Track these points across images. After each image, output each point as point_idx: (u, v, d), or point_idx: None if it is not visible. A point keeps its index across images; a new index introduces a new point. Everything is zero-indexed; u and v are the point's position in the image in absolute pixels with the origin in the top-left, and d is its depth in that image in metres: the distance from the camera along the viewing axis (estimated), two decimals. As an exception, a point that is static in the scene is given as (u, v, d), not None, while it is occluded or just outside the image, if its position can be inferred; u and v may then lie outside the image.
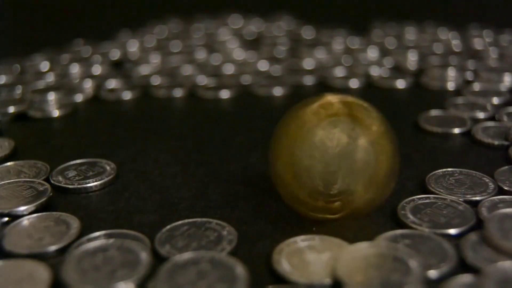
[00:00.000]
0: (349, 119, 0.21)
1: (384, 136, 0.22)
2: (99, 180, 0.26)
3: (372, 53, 0.47)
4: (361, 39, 0.51)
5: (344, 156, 0.21)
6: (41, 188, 0.25)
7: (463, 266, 0.20)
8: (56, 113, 0.36)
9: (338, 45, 0.49)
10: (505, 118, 0.33)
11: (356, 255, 0.20)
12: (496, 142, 0.30)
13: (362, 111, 0.22)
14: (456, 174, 0.26)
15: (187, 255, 0.20)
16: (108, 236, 0.22)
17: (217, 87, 0.40)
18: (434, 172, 0.26)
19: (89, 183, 0.26)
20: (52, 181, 0.26)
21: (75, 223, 0.23)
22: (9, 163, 0.28)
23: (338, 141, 0.21)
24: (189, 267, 0.19)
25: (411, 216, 0.23)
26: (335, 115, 0.22)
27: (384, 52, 0.47)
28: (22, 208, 0.24)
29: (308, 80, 0.41)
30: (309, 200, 0.22)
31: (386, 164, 0.22)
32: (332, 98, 0.22)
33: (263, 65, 0.45)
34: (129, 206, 0.25)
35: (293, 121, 0.22)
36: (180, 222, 0.23)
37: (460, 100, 0.36)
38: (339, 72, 0.43)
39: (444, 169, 0.26)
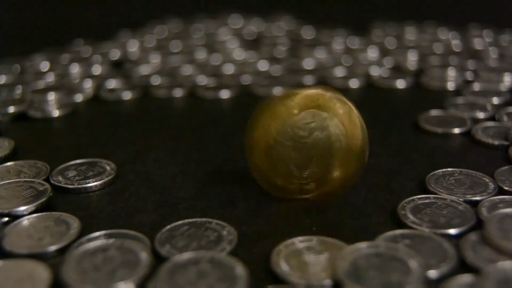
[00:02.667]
0: (319, 109, 0.23)
1: (353, 120, 0.23)
2: (99, 180, 0.26)
3: (372, 53, 0.47)
4: (361, 39, 0.51)
5: (316, 144, 0.23)
6: (41, 188, 0.25)
7: (463, 266, 0.20)
8: (56, 113, 0.36)
9: (338, 45, 0.49)
10: (505, 118, 0.33)
11: (356, 255, 0.20)
12: (496, 142, 0.30)
13: (332, 100, 0.23)
14: (456, 174, 0.26)
15: (187, 255, 0.20)
16: (108, 236, 0.22)
17: (217, 87, 0.40)
18: (434, 172, 0.26)
19: (89, 183, 0.26)
20: (52, 181, 0.26)
21: (75, 223, 0.23)
22: (9, 163, 0.28)
23: (310, 131, 0.23)
24: (189, 267, 0.19)
25: (411, 216, 0.23)
26: (306, 107, 0.23)
27: (384, 52, 0.47)
28: (22, 208, 0.24)
29: (308, 80, 0.41)
30: (284, 184, 0.24)
31: (357, 148, 0.23)
32: (303, 91, 0.23)
33: (263, 65, 0.45)
34: (129, 206, 0.25)
35: (266, 113, 0.23)
36: (180, 222, 0.23)
37: (460, 100, 0.36)
38: (339, 72, 0.43)
39: (444, 169, 0.26)
